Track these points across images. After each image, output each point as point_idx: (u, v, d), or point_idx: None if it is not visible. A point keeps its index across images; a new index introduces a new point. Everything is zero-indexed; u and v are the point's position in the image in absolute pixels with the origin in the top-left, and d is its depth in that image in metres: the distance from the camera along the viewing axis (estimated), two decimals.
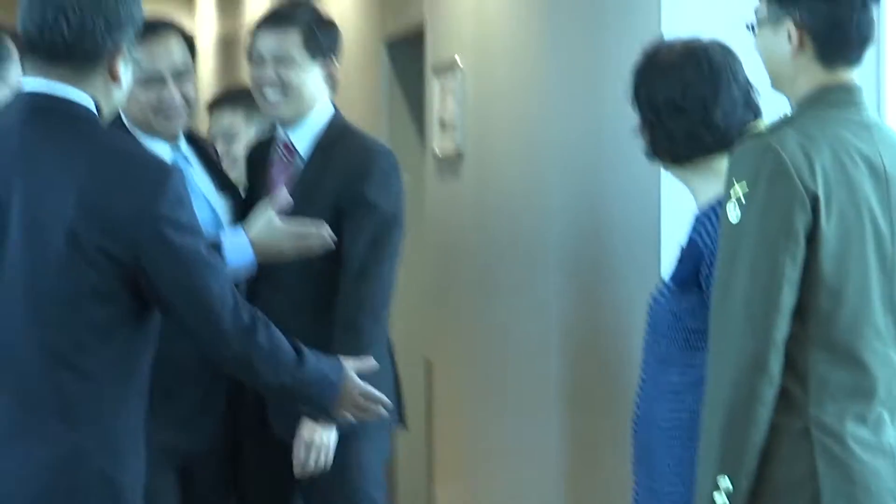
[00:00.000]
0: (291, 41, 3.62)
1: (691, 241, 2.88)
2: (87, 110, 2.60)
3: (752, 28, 2.72)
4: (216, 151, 4.41)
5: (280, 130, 3.72)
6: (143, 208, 2.53)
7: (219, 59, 11.05)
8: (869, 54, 2.75)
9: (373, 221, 3.58)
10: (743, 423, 2.53)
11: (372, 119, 6.46)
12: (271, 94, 3.63)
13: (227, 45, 10.56)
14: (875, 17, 2.67)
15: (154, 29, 3.46)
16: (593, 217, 4.22)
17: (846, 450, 2.58)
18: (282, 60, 3.62)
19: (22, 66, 2.68)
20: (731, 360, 2.55)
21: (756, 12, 2.71)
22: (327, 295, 3.58)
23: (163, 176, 2.57)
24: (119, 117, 3.48)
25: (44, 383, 2.53)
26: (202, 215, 3.34)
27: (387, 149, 3.78)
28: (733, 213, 2.57)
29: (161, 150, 3.49)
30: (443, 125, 5.52)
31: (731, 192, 2.57)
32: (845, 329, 2.59)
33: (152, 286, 2.57)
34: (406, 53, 6.19)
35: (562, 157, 4.44)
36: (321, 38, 3.66)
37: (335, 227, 3.48)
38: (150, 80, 3.48)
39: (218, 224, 3.57)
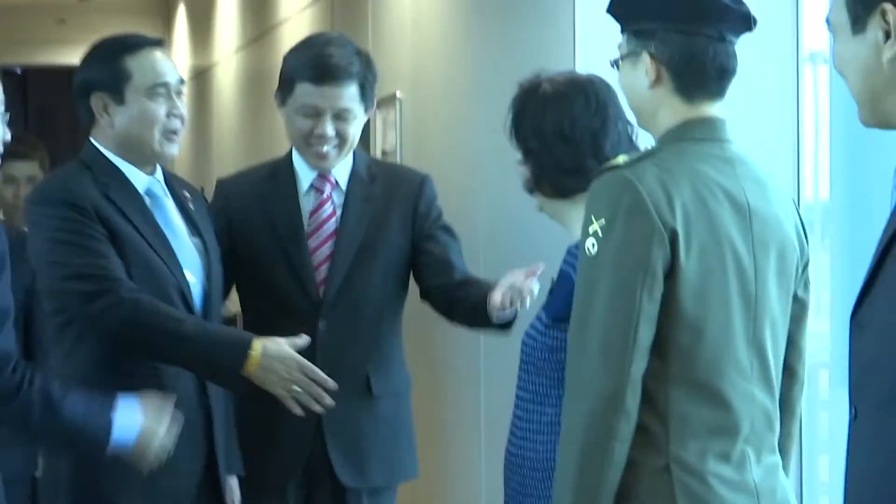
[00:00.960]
0: (350, 95, 3.50)
1: (564, 274, 2.81)
2: None
3: (616, 64, 2.63)
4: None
5: (299, 164, 3.58)
6: None
7: (192, 93, 11.07)
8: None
9: (453, 236, 3.62)
10: (598, 460, 2.42)
11: None
12: (329, 148, 3.51)
13: (199, 78, 10.59)
14: (735, 50, 2.58)
15: (150, 43, 3.27)
16: (514, 237, 4.21)
17: (707, 487, 2.48)
18: (341, 115, 3.49)
19: None
20: (586, 396, 2.44)
21: (619, 47, 2.62)
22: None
23: None
24: (92, 145, 3.28)
25: None
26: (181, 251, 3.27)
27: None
28: (591, 248, 2.46)
29: (138, 178, 3.27)
30: (384, 155, 5.62)
31: (589, 227, 2.47)
32: (706, 365, 2.49)
33: None
34: None
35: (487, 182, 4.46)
36: (372, 87, 3.54)
37: (405, 246, 3.55)
38: (155, 92, 3.24)
39: (194, 262, 3.31)
